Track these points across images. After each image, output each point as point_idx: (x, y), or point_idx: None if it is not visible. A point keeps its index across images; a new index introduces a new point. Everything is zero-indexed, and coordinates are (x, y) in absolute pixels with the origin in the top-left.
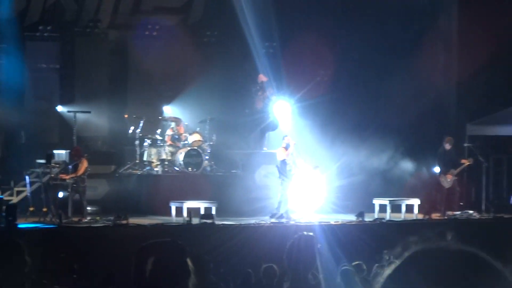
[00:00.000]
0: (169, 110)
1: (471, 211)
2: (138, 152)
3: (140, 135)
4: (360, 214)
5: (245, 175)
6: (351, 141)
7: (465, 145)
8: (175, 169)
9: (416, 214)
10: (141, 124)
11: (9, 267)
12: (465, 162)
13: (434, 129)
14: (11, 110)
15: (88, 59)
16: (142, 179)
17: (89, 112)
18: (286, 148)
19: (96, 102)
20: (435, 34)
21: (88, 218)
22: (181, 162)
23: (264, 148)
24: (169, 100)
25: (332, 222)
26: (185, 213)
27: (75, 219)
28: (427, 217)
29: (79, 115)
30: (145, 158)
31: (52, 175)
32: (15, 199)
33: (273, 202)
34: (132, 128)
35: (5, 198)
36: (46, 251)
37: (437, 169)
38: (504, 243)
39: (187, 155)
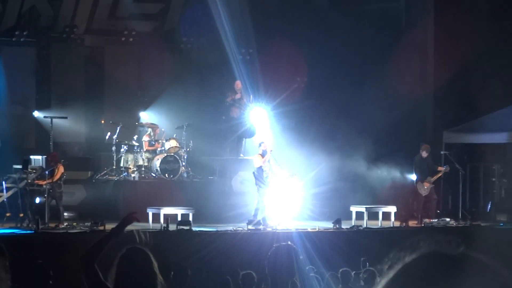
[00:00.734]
0: (145, 116)
1: (448, 219)
2: (115, 158)
3: (117, 141)
4: (337, 221)
5: (222, 182)
6: (328, 148)
7: (442, 152)
8: (152, 175)
9: (393, 221)
10: (117, 130)
11: None
12: (442, 170)
13: (411, 136)
14: None
15: (65, 65)
16: (119, 185)
17: (65, 117)
18: (263, 155)
19: (72, 107)
20: (411, 42)
21: (65, 224)
22: (158, 168)
23: (241, 155)
24: (145, 106)
25: (309, 229)
26: (162, 220)
27: (52, 224)
28: (404, 224)
29: (55, 121)
30: (121, 164)
31: (29, 181)
32: None
33: (250, 209)
34: (108, 134)
35: None
36: (23, 256)
37: (414, 177)
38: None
39: (163, 161)
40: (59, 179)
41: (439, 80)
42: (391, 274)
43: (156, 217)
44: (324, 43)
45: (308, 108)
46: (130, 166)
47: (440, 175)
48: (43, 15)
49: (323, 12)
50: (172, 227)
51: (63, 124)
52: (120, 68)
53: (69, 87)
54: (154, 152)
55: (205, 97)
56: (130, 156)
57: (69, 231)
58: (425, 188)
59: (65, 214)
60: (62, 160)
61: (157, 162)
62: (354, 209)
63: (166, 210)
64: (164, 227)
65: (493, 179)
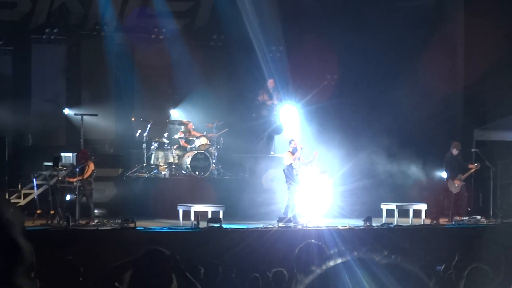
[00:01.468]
0: (176, 114)
1: (478, 217)
2: (145, 155)
3: (147, 138)
4: (368, 219)
5: (252, 179)
6: (357, 145)
7: (473, 150)
8: (182, 172)
9: (423, 219)
10: (148, 127)
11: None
12: (473, 167)
13: (442, 134)
14: (18, 112)
15: (95, 62)
16: (149, 182)
17: (96, 115)
18: (293, 152)
19: (103, 105)
20: (442, 39)
21: (96, 221)
22: (188, 166)
23: (271, 153)
24: (176, 103)
25: (340, 227)
26: (192, 217)
27: (83, 222)
28: (434, 222)
29: (86, 118)
30: (152, 161)
31: (59, 178)
32: (22, 202)
33: (280, 207)
34: (139, 131)
35: (13, 201)
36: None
37: (444, 174)
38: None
39: (194, 158)
40: (90, 176)
41: (470, 77)
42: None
43: (186, 214)
44: (355, 40)
45: (338, 105)
46: (160, 163)
47: (471, 172)
48: (73, 13)
49: (354, 9)
50: (203, 224)
51: (94, 122)
52: (150, 65)
53: (99, 84)
54: (184, 150)
55: (235, 94)
56: (161, 153)
57: (99, 228)
58: (456, 185)
59: (96, 211)
60: (93, 157)
61: (187, 160)
62: (384, 206)
63: (196, 208)
64: (194, 224)
65: None
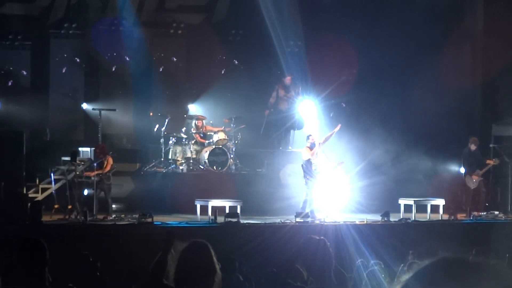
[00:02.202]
0: (193, 109)
1: (496, 212)
2: (163, 150)
3: (165, 133)
4: (386, 214)
5: (270, 174)
6: (376, 140)
7: (491, 145)
8: (200, 167)
9: (441, 214)
10: (166, 122)
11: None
12: (491, 163)
13: (460, 129)
14: (36, 107)
15: (113, 57)
16: (167, 177)
17: (114, 110)
18: (311, 147)
19: (121, 99)
20: (460, 34)
21: (113, 216)
22: (206, 161)
23: (289, 147)
24: (194, 98)
25: (358, 222)
26: (210, 212)
27: (100, 216)
28: (452, 217)
29: (104, 113)
30: (170, 156)
31: (77, 173)
32: (40, 196)
33: (298, 201)
34: (157, 126)
35: (30, 195)
36: (71, 248)
37: (462, 170)
38: None
39: (212, 153)
40: (109, 171)
41: (488, 72)
42: (408, 275)
43: (204, 209)
44: (373, 35)
45: (356, 100)
46: (178, 158)
47: (489, 167)
48: (92, 7)
49: (373, 3)
50: (220, 219)
51: (112, 116)
52: (168, 60)
53: (117, 79)
54: (202, 145)
55: (254, 89)
56: (179, 148)
57: (117, 223)
58: (474, 181)
59: (113, 206)
60: (111, 152)
61: (205, 155)
62: (402, 201)
63: (214, 203)
64: (212, 219)
65: None
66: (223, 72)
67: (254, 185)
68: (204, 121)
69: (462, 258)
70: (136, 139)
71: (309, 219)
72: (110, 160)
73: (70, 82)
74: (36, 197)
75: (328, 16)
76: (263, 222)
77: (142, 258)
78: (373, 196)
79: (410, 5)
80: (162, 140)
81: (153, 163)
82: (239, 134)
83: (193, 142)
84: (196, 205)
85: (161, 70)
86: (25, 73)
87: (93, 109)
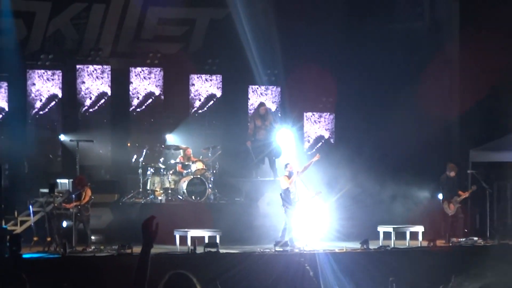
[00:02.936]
0: (171, 139)
1: (476, 238)
2: (141, 180)
3: (143, 163)
4: (365, 242)
5: (249, 203)
6: (354, 168)
7: (469, 171)
8: (178, 197)
9: (420, 241)
10: (144, 153)
11: None
12: (466, 194)
13: (438, 155)
14: (14, 139)
15: (90, 88)
16: (145, 207)
17: (91, 141)
18: (289, 176)
19: (98, 130)
20: (439, 63)
21: (93, 247)
22: (185, 191)
23: (271, 177)
24: (171, 128)
25: (337, 250)
26: (189, 242)
27: (79, 248)
28: (431, 244)
29: (81, 144)
30: (148, 187)
31: (56, 205)
32: (19, 229)
33: (277, 230)
34: (135, 156)
35: (9, 228)
36: (50, 281)
37: (440, 196)
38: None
39: (190, 183)
40: (87, 202)
41: (466, 99)
42: None
43: (183, 239)
44: (352, 64)
45: (335, 129)
46: (156, 189)
47: (466, 195)
48: (68, 39)
49: (349, 33)
50: (200, 249)
51: (90, 148)
52: (145, 90)
53: (95, 110)
54: (180, 175)
55: (231, 118)
56: (157, 179)
57: (96, 254)
58: (452, 208)
59: (92, 237)
60: (89, 184)
61: (183, 185)
62: (381, 229)
63: (193, 233)
64: (191, 249)
65: None
66: (200, 101)
67: (233, 214)
68: (188, 150)
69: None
70: (114, 170)
71: (288, 248)
72: (89, 192)
73: (47, 113)
74: (15, 230)
75: (305, 44)
76: (242, 251)
77: None
78: (352, 224)
79: (388, 34)
80: (140, 170)
81: (132, 194)
82: (217, 163)
83: (171, 172)
84: (175, 236)
85: (138, 100)
86: (1, 105)
87: (70, 140)
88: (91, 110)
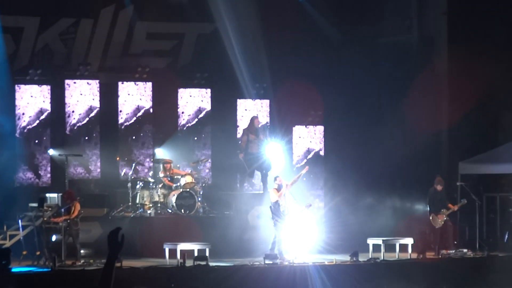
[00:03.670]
0: (160, 152)
1: (465, 250)
2: (130, 194)
3: (132, 177)
4: (354, 254)
5: (238, 216)
6: (343, 181)
7: (458, 184)
8: (168, 211)
9: (410, 253)
10: (133, 167)
11: None
12: (455, 208)
13: (427, 168)
14: (2, 153)
15: (79, 102)
16: (135, 221)
17: (80, 155)
18: (278, 189)
19: (87, 145)
20: (426, 75)
21: (82, 261)
22: (174, 204)
23: (261, 191)
24: (160, 142)
25: (327, 263)
26: (178, 255)
27: (69, 262)
28: (421, 256)
29: (70, 158)
30: (137, 201)
31: (45, 219)
32: (8, 243)
33: (267, 243)
34: (124, 170)
35: None
36: None
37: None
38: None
39: (179, 197)
40: (76, 216)
41: (454, 112)
42: None
43: (172, 253)
44: (340, 77)
45: (324, 142)
46: (146, 203)
47: (455, 209)
48: (57, 53)
49: (337, 47)
50: (189, 262)
51: (79, 162)
52: (134, 104)
53: (84, 124)
54: (170, 188)
55: (220, 131)
56: (146, 193)
57: (86, 268)
58: (439, 221)
59: (82, 251)
60: (78, 198)
61: (173, 198)
62: (371, 241)
63: (182, 246)
64: (181, 263)
65: (510, 209)
66: (189, 115)
67: (222, 227)
68: (171, 164)
69: None
70: (104, 184)
71: (278, 261)
72: (78, 206)
73: (36, 128)
74: (4, 244)
75: (293, 58)
76: (232, 264)
77: None
78: (341, 236)
79: (375, 47)
80: (129, 184)
81: (121, 208)
82: (208, 177)
83: (160, 186)
84: (164, 249)
85: (127, 114)
86: None
87: (59, 154)
88: (79, 124)
